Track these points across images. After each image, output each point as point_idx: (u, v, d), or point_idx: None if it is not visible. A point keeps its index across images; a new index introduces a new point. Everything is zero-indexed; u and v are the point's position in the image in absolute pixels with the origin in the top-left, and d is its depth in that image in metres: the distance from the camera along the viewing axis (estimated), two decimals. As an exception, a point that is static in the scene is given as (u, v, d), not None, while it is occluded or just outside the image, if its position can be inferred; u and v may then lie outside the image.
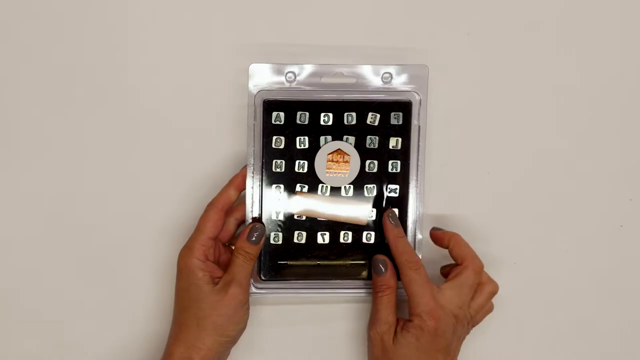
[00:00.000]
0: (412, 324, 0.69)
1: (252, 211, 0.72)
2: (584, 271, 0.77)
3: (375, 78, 0.72)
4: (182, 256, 0.70)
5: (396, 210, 0.72)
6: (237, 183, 0.72)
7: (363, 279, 0.73)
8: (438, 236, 0.73)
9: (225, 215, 0.72)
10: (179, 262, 0.70)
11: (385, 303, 0.70)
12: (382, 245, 0.73)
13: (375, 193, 0.72)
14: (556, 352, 0.77)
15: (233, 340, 0.71)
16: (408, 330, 0.69)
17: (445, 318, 0.69)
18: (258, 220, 0.72)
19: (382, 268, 0.71)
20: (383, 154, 0.72)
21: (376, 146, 0.72)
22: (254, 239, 0.70)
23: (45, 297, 0.76)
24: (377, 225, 0.73)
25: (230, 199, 0.72)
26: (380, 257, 0.72)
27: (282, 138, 0.72)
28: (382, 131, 0.72)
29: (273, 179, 0.72)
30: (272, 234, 0.72)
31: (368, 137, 0.72)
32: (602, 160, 0.77)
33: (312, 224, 0.73)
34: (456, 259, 0.72)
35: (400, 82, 0.72)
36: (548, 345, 0.77)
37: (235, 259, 0.70)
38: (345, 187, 0.72)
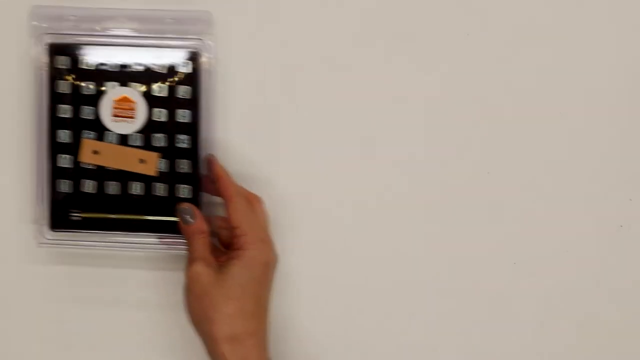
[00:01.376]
0: (245, 255, 0.67)
1: (38, 156, 0.71)
2: (584, 271, 0.75)
3: (163, 23, 0.70)
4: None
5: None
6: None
7: (158, 234, 0.71)
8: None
9: None
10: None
11: (201, 243, 0.68)
12: (174, 199, 0.70)
13: (164, 143, 0.70)
14: (556, 352, 0.76)
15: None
16: (240, 260, 0.66)
17: (273, 249, 0.69)
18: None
19: (190, 218, 0.69)
20: (172, 103, 0.70)
21: (165, 94, 0.70)
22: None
23: (44, 298, 0.77)
24: (167, 178, 0.70)
25: None
26: (185, 205, 0.70)
27: (68, 83, 0.70)
28: (171, 79, 0.70)
29: (58, 124, 0.70)
30: (61, 182, 0.71)
31: (156, 84, 0.70)
32: (602, 161, 0.74)
33: (101, 173, 0.71)
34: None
35: (187, 28, 0.70)
36: (548, 345, 0.76)
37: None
38: (132, 135, 0.70)
